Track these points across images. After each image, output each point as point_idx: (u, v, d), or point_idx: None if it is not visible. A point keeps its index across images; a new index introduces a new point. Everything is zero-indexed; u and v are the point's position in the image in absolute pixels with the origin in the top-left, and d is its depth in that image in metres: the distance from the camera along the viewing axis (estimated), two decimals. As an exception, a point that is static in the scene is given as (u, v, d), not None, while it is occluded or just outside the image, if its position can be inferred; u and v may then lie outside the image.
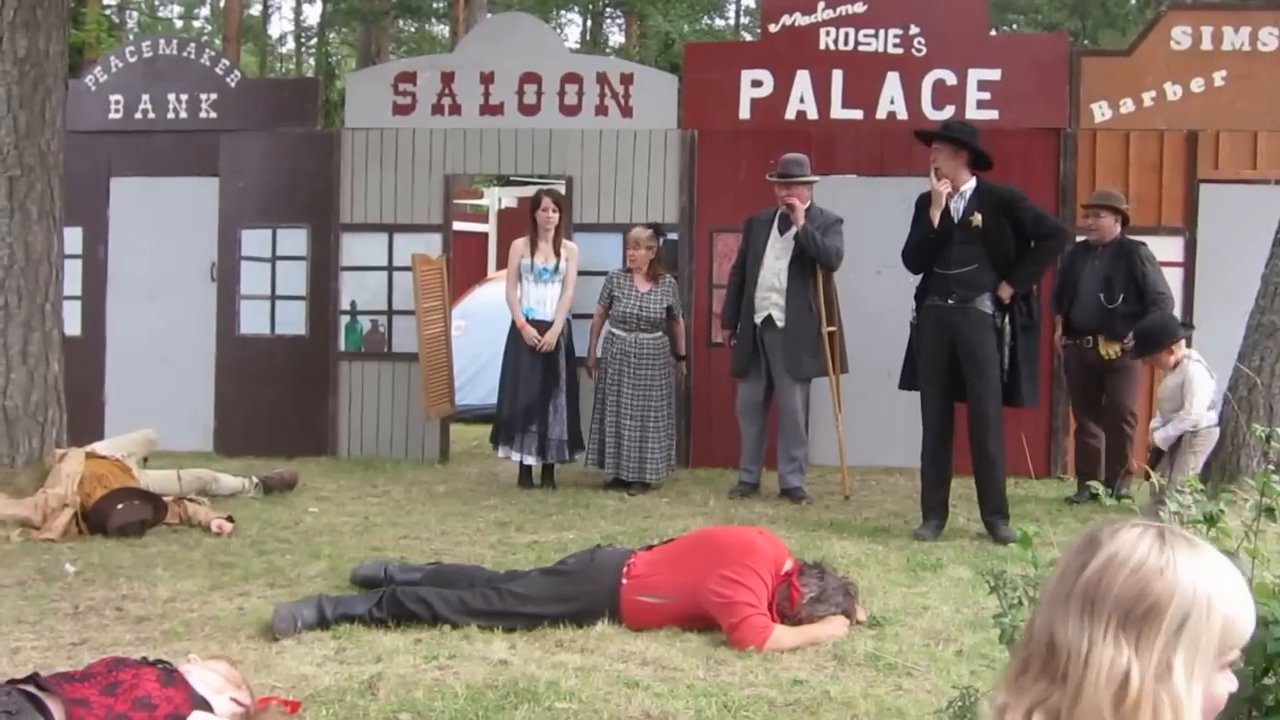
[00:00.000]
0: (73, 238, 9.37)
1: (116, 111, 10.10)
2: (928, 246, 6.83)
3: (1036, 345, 7.01)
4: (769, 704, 4.08)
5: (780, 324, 8.06)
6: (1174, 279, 8.67)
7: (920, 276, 7.00)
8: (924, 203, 6.95)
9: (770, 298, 8.09)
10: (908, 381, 7.12)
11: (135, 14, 35.33)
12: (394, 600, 4.95)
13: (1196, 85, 8.98)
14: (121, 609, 5.25)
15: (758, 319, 8.14)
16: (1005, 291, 6.72)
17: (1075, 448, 8.30)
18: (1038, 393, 7.07)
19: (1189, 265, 8.96)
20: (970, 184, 6.84)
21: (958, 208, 6.80)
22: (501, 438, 8.48)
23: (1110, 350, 7.76)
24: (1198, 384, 6.79)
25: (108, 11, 27.20)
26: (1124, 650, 1.43)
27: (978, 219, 6.74)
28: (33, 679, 3.40)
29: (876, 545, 6.62)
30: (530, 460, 8.42)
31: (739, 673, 4.41)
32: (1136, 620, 1.44)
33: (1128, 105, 9.04)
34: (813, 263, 7.95)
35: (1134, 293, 7.72)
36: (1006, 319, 6.76)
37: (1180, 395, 6.82)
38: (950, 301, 6.77)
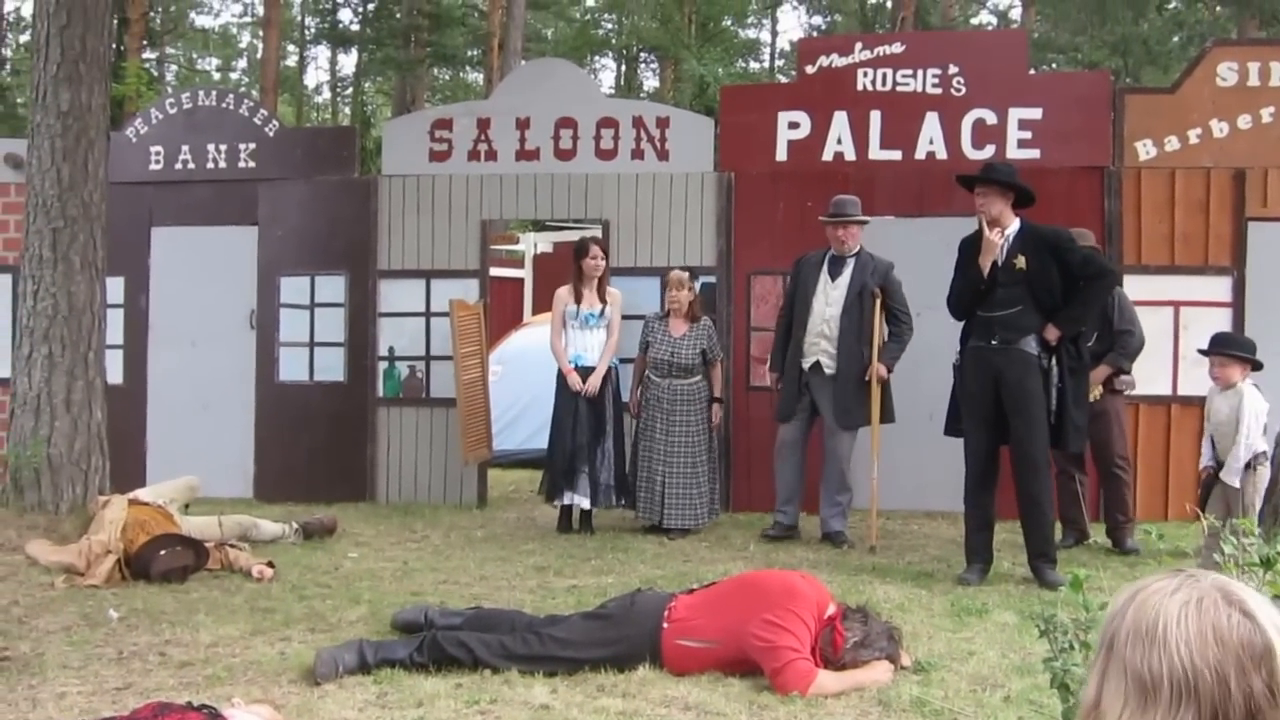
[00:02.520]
0: (115, 287, 9.45)
1: (157, 162, 10.22)
2: (977, 296, 6.73)
3: (1085, 388, 6.89)
4: (816, 750, 4.01)
5: (829, 370, 8.01)
6: (1222, 319, 8.58)
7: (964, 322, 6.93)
8: (968, 248, 6.85)
9: (819, 344, 8.04)
10: (952, 427, 7.01)
11: (174, 67, 35.90)
12: (435, 645, 4.92)
13: (1244, 122, 8.90)
14: (165, 654, 5.24)
15: (805, 364, 8.09)
16: (1052, 334, 6.61)
17: (1056, 491, 7.76)
18: (1084, 437, 6.95)
19: (1238, 305, 8.83)
20: (1014, 226, 6.74)
21: (1001, 250, 6.69)
22: (562, 484, 8.41)
23: (1093, 393, 7.45)
24: (1254, 406, 6.54)
25: (147, 65, 27.65)
26: None
27: (1021, 261, 6.63)
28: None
29: (920, 590, 6.53)
30: (585, 504, 8.39)
31: (782, 718, 4.35)
32: None
33: (1173, 143, 8.96)
34: (865, 311, 7.92)
35: (1107, 333, 7.57)
36: (1053, 360, 6.65)
37: (1234, 420, 6.55)
38: (994, 343, 6.68)
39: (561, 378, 8.48)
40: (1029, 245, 6.67)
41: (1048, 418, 6.62)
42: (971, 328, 6.85)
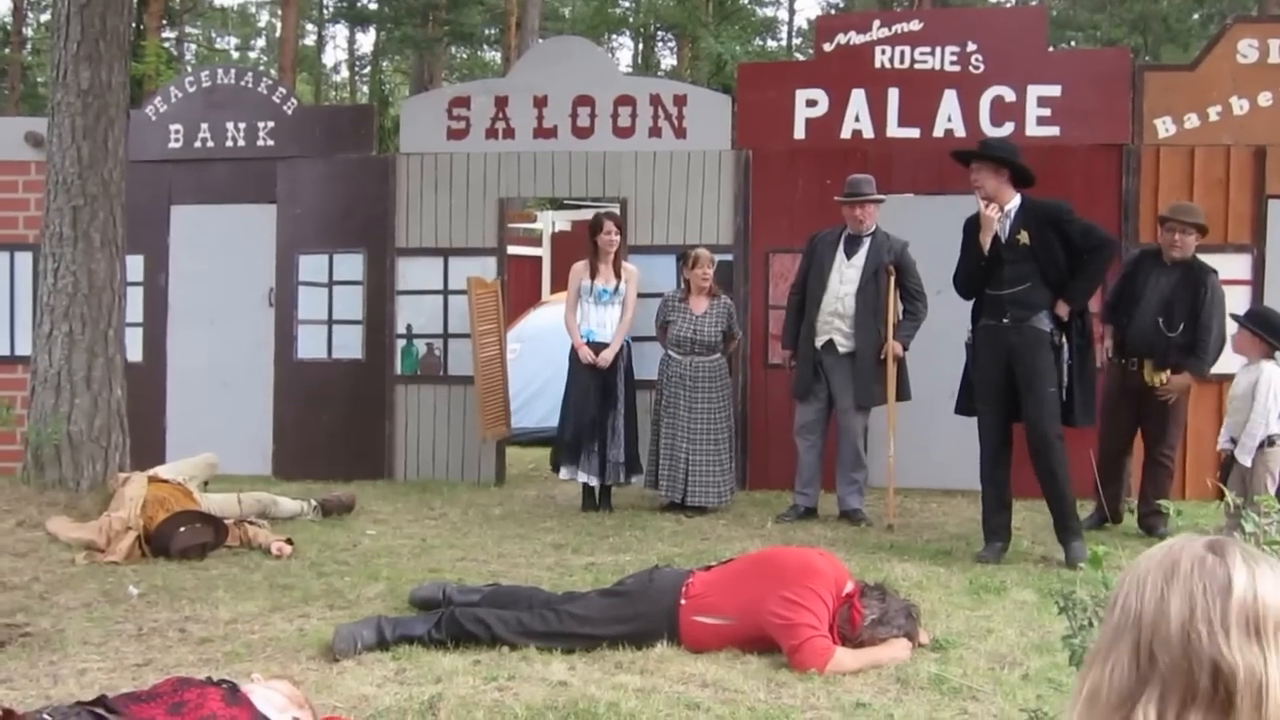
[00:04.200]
0: (134, 265, 9.48)
1: (176, 141, 10.23)
2: (979, 272, 6.73)
3: (1093, 363, 6.88)
4: (833, 727, 4.02)
5: (842, 349, 8.00)
6: (1241, 297, 8.51)
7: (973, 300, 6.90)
8: (971, 227, 6.83)
9: (833, 322, 8.03)
10: (964, 406, 7.00)
11: (193, 46, 35.92)
12: (453, 621, 4.94)
13: (1264, 99, 8.82)
14: (184, 630, 5.28)
15: (818, 342, 8.08)
16: (1063, 309, 6.59)
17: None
18: (1094, 412, 6.92)
19: (1257, 283, 8.78)
20: (1014, 201, 6.70)
21: (1003, 226, 6.67)
22: (564, 459, 8.45)
23: (1157, 378, 7.40)
24: (1271, 385, 6.45)
25: (166, 44, 27.68)
26: None
27: (1024, 237, 6.61)
28: (100, 701, 3.42)
29: (938, 567, 6.52)
30: (592, 481, 8.40)
31: (800, 695, 4.35)
32: None
33: (1192, 120, 8.89)
34: (880, 289, 7.90)
35: (1193, 323, 7.35)
36: (1064, 336, 6.63)
37: (1250, 397, 6.45)
38: (1005, 321, 6.66)
39: (574, 353, 8.48)
40: (1030, 220, 6.64)
41: (1059, 394, 6.60)
42: (982, 306, 6.82)
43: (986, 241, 6.64)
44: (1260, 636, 1.43)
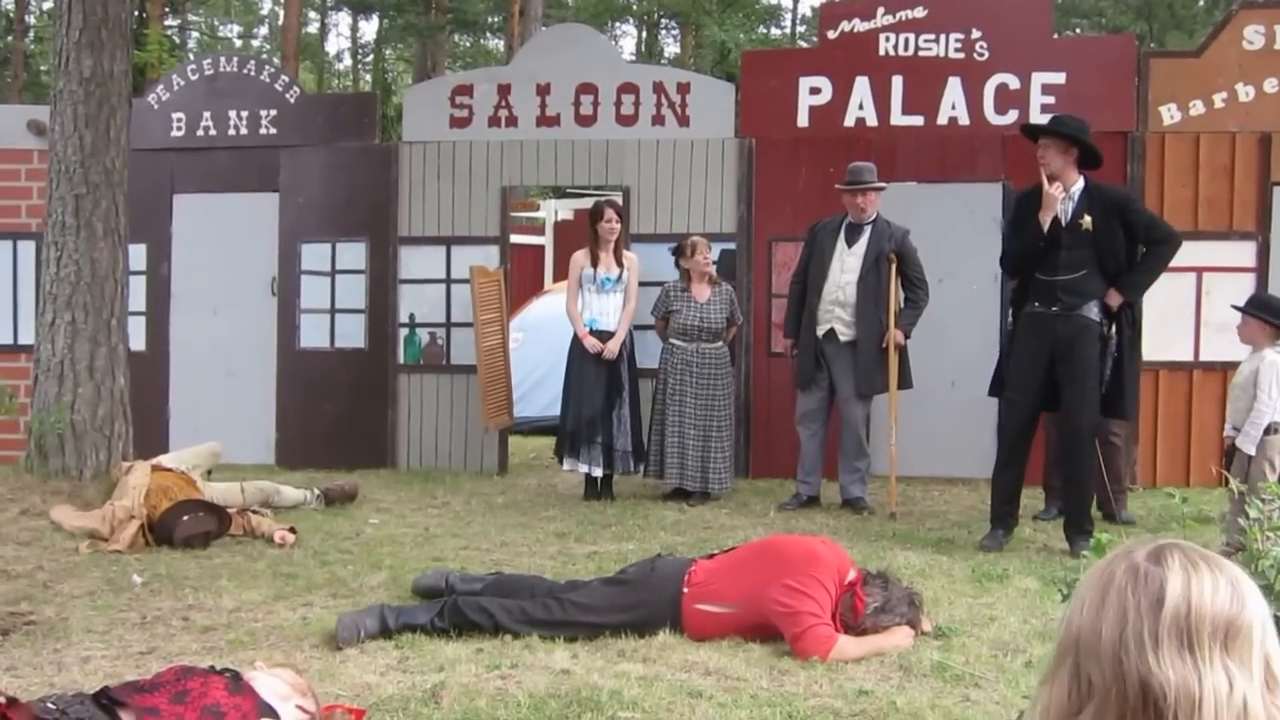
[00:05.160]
0: (137, 254, 9.50)
1: (179, 129, 10.23)
2: (1037, 253, 6.52)
3: (1138, 354, 6.79)
4: (834, 714, 4.02)
5: (843, 338, 7.99)
6: (1246, 285, 8.50)
7: (1015, 281, 6.76)
8: (1025, 203, 6.65)
9: (834, 311, 8.01)
10: (997, 388, 6.90)
11: (195, 34, 35.87)
12: (455, 610, 4.94)
13: (1270, 86, 8.79)
14: (188, 619, 5.28)
15: (820, 331, 8.07)
16: (1115, 299, 6.45)
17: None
18: (1137, 405, 6.84)
19: (1262, 270, 8.76)
20: (1079, 184, 6.52)
21: (1065, 209, 6.47)
22: (567, 450, 8.44)
23: None
24: (1274, 373, 6.36)
25: (169, 32, 27.65)
26: (1234, 674, 1.38)
27: (1087, 221, 6.41)
28: (104, 691, 3.42)
29: (940, 556, 6.52)
30: (596, 471, 8.39)
31: (803, 683, 4.35)
32: (1235, 640, 1.40)
33: (1198, 107, 8.87)
34: (882, 278, 7.88)
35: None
36: (1113, 328, 6.51)
37: (1252, 385, 6.37)
38: (1055, 309, 6.48)
39: (575, 342, 8.47)
40: (1095, 205, 6.46)
41: (1100, 387, 6.49)
42: (1028, 291, 6.64)
43: (1047, 220, 6.45)
44: (1195, 649, 1.38)
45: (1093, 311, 6.46)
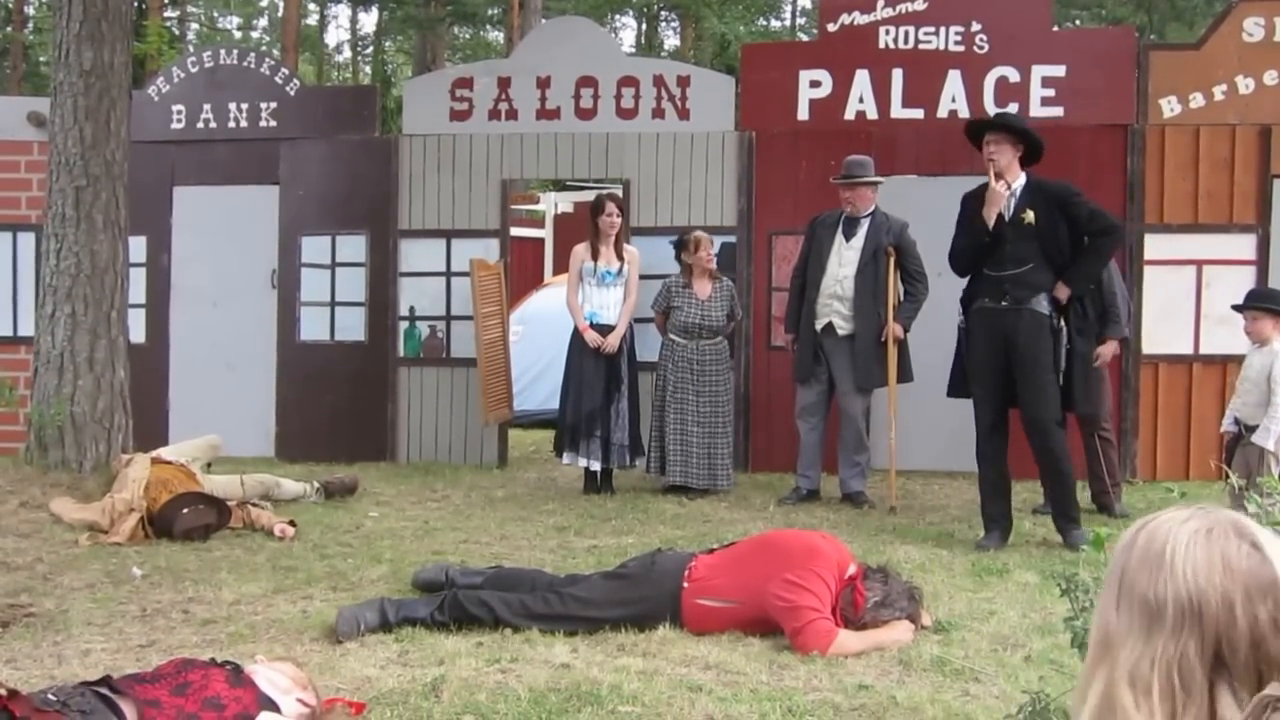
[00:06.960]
0: (137, 246, 9.48)
1: (179, 121, 10.21)
2: (981, 249, 6.58)
3: (1093, 347, 6.81)
4: (834, 709, 4.03)
5: (842, 332, 7.98)
6: (1246, 278, 8.50)
7: (967, 280, 6.79)
8: (970, 202, 6.69)
9: (832, 305, 8.01)
10: (957, 389, 6.89)
11: (195, 26, 35.81)
12: (455, 603, 4.95)
13: (1270, 78, 8.78)
14: (188, 612, 5.29)
15: (818, 325, 8.06)
16: (1063, 293, 6.47)
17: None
18: (1095, 398, 6.86)
19: (1262, 263, 8.75)
20: (1021, 180, 6.57)
21: (1009, 205, 6.53)
22: (566, 444, 8.44)
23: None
24: None
25: (168, 24, 27.61)
26: None
27: (1030, 216, 6.45)
28: (105, 681, 3.43)
29: (940, 550, 6.52)
30: (595, 465, 8.39)
31: (803, 677, 4.36)
32: None
33: (1198, 100, 8.85)
34: (880, 271, 7.87)
35: (1098, 292, 7.19)
36: (1063, 320, 6.53)
37: (1264, 380, 6.28)
38: (1004, 303, 6.51)
39: (575, 335, 8.47)
40: (1037, 199, 6.50)
41: (1057, 379, 6.50)
42: (978, 287, 6.67)
43: (992, 216, 6.49)
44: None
45: (1042, 305, 6.48)
